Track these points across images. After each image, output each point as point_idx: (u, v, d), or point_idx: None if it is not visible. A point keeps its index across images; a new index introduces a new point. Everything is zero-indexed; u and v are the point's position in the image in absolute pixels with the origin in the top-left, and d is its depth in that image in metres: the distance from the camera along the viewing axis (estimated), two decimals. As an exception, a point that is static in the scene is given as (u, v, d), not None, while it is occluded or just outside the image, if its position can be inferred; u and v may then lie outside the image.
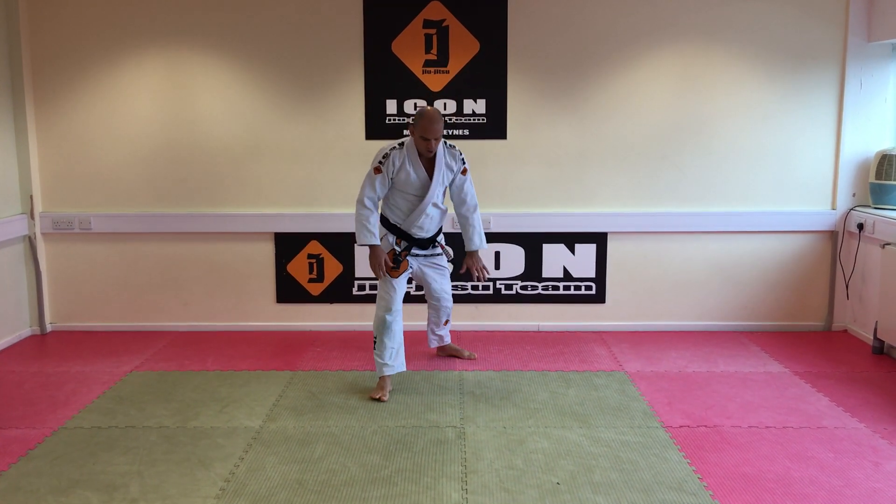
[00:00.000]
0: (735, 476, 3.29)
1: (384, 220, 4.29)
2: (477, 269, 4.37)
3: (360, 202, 4.13)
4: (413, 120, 4.11)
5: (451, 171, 4.25)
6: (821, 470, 3.34)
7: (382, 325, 4.16)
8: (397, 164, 4.11)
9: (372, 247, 4.14)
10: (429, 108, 4.11)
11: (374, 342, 4.19)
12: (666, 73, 5.15)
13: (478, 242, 4.37)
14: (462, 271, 4.41)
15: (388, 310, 4.16)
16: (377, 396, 4.13)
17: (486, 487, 3.20)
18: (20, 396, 4.19)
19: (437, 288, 4.52)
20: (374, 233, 4.14)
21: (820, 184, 5.25)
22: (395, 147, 4.14)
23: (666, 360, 4.76)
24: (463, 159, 4.28)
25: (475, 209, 4.37)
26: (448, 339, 4.78)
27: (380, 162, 4.10)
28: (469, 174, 4.34)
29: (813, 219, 5.26)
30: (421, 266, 4.39)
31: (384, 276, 4.15)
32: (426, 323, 4.78)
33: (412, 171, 4.14)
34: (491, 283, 5.32)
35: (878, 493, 3.15)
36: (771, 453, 3.50)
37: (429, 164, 4.17)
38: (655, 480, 3.25)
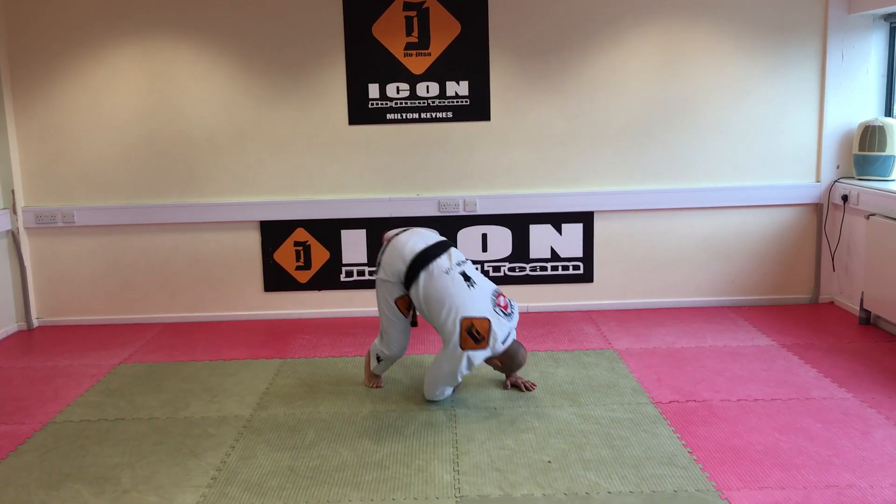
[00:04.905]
0: (725, 449, 3.31)
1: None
2: (522, 385, 4.01)
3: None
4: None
5: None
6: (810, 440, 3.37)
7: (396, 357, 4.03)
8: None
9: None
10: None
11: (379, 360, 4.03)
12: (648, 51, 5.13)
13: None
14: (506, 387, 4.03)
15: (403, 346, 4.00)
16: (373, 384, 4.10)
17: (478, 468, 3.20)
18: (8, 392, 4.17)
19: None
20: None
21: (804, 157, 5.26)
22: None
23: (654, 337, 4.77)
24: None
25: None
26: None
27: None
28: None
29: (798, 192, 5.27)
30: None
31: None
32: None
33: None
34: (479, 266, 5.31)
35: (866, 462, 3.17)
36: (760, 425, 3.52)
37: None
38: (646, 455, 3.26)
